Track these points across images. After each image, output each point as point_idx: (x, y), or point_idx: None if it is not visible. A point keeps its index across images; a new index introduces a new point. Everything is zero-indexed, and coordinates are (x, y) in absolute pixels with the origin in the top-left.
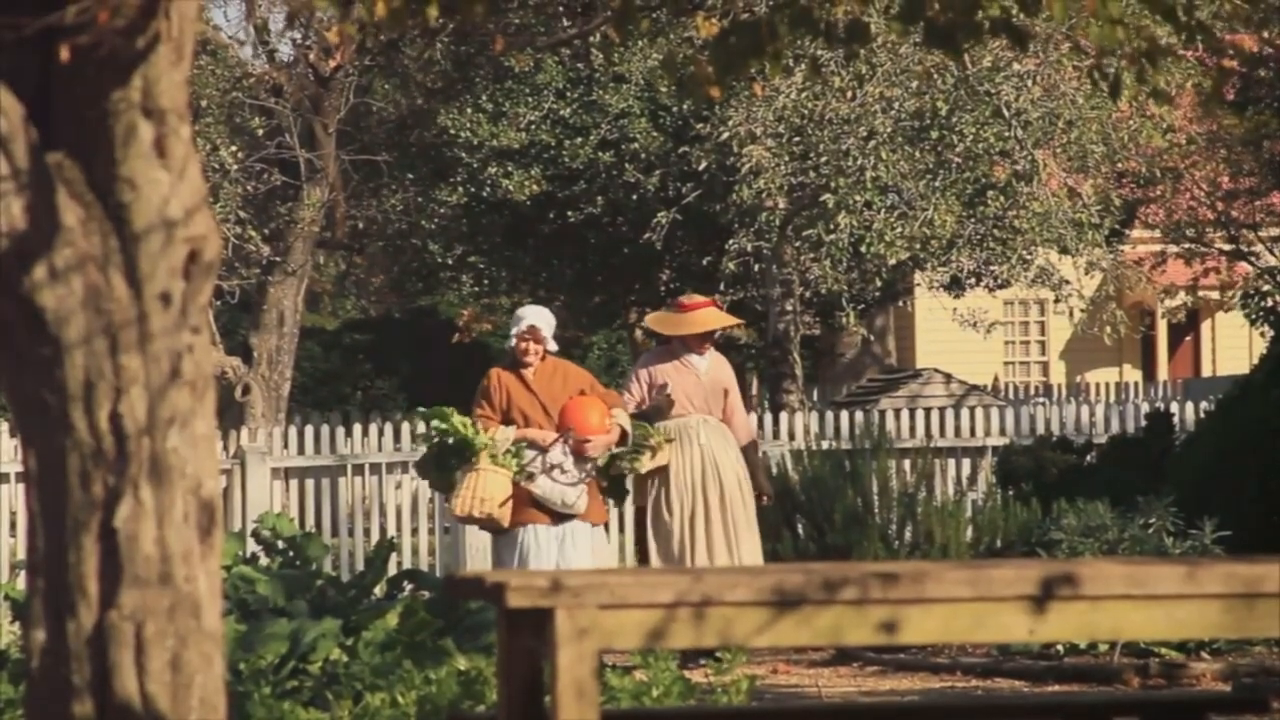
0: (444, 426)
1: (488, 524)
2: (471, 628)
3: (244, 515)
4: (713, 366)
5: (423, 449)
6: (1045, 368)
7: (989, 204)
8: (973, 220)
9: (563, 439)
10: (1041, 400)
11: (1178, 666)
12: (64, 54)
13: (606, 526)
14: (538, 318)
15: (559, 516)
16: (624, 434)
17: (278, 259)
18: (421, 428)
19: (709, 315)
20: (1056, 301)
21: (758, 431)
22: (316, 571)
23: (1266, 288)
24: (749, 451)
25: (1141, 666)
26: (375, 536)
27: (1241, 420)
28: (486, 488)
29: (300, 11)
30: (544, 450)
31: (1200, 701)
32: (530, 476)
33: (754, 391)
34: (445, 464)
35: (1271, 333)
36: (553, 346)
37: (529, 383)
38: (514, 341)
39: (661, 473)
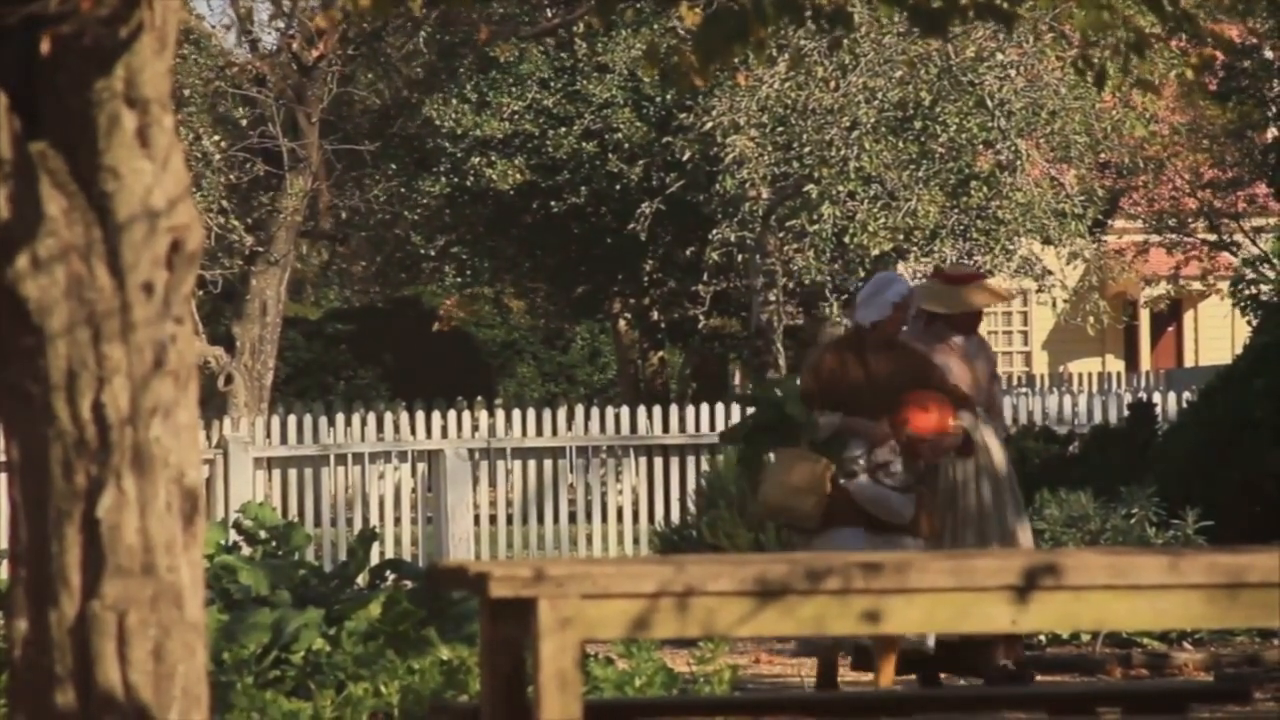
0: (768, 398)
1: (794, 521)
2: (454, 618)
3: (227, 505)
4: (980, 349)
5: (411, 438)
6: (1028, 358)
7: (972, 194)
8: (956, 210)
9: (896, 435)
10: (1024, 390)
11: (1160, 657)
12: (46, 44)
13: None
14: (910, 285)
15: (876, 524)
16: (968, 439)
17: (260, 249)
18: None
19: (980, 293)
20: (1039, 291)
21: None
22: (299, 561)
23: (1252, 276)
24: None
25: (1124, 657)
26: (358, 526)
27: (1224, 411)
28: (802, 477)
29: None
30: (872, 445)
31: (1183, 692)
32: (851, 474)
33: (736, 381)
34: (757, 440)
35: (1256, 321)
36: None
37: (869, 364)
38: (884, 311)
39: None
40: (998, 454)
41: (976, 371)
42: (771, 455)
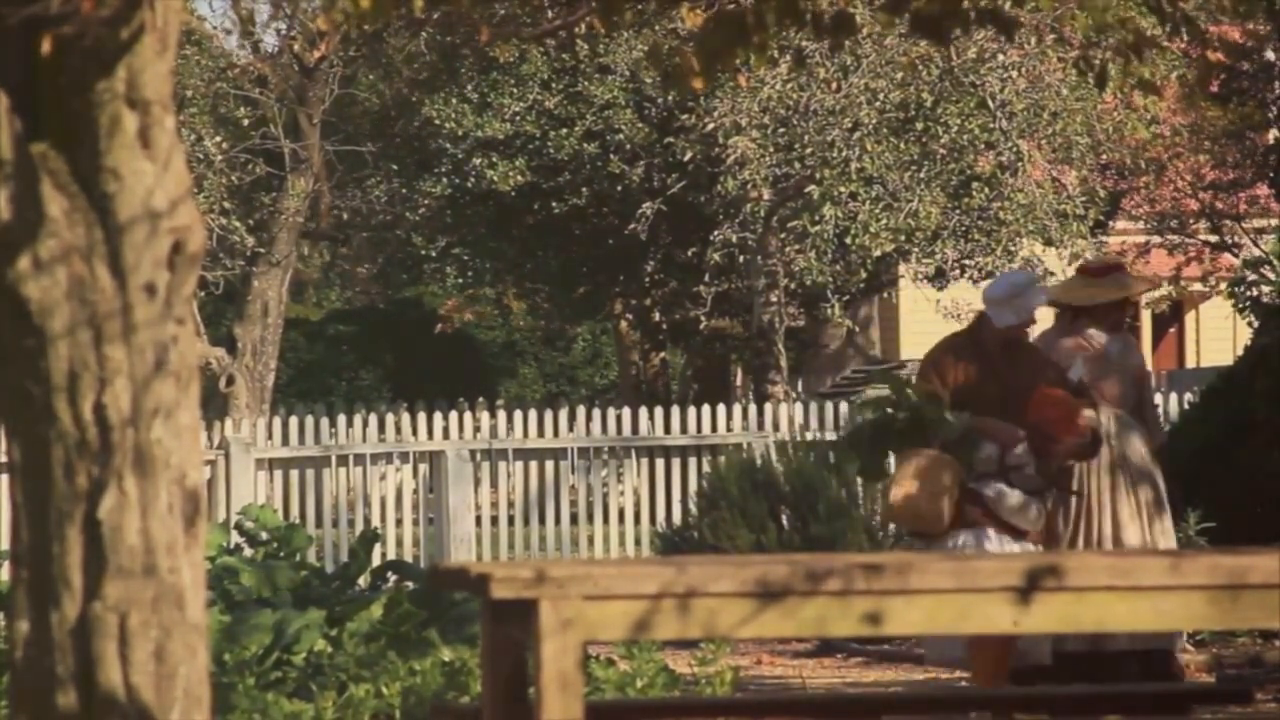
0: (895, 397)
1: (924, 527)
2: (456, 619)
3: (228, 506)
4: (1125, 349)
5: (401, 439)
6: None
7: (973, 195)
8: (957, 212)
9: (1029, 436)
10: None
11: None
12: (47, 45)
13: None
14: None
15: (1003, 527)
16: (1095, 438)
17: (262, 250)
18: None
19: (1111, 286)
20: None
21: (743, 423)
22: (301, 562)
23: (1253, 278)
24: (1158, 458)
25: None
26: (360, 527)
27: (1225, 412)
28: (942, 481)
29: (285, 1)
30: (1005, 447)
31: (1184, 693)
32: (982, 477)
33: (738, 382)
34: (882, 444)
35: (1258, 323)
36: None
37: (996, 365)
38: (1023, 316)
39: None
40: (1139, 462)
41: (1118, 370)
42: (899, 459)
